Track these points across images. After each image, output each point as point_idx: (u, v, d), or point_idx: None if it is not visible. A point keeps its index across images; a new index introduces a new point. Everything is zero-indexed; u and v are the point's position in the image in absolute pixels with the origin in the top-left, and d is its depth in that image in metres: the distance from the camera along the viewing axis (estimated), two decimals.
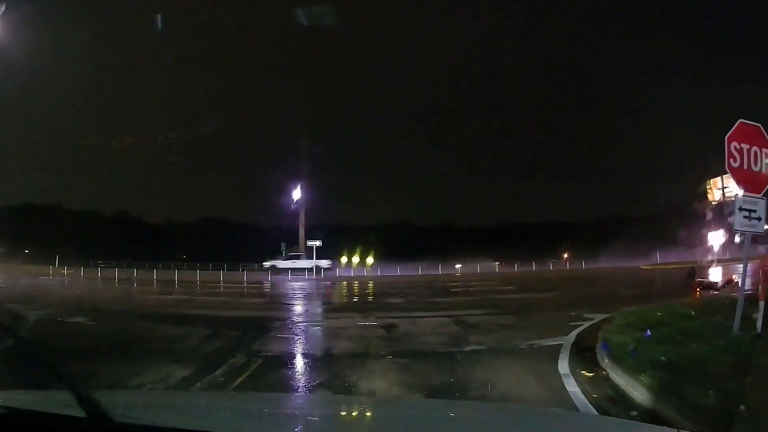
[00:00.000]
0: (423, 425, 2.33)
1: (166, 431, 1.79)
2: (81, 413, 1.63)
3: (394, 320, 13.76)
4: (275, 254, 45.35)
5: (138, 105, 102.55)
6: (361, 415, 2.68)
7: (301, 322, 14.40)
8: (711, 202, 62.38)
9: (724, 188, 58.70)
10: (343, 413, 2.75)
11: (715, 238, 55.38)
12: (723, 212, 56.83)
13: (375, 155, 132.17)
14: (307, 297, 23.91)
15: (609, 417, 3.73)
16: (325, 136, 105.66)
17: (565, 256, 60.93)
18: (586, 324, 12.40)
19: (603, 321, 12.63)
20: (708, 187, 63.68)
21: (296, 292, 27.25)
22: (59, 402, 1.73)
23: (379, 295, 25.48)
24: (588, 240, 64.46)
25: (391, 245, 54.56)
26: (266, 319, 14.15)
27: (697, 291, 19.45)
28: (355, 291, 29.14)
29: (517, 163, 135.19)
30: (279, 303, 20.53)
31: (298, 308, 19.15)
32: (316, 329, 13.16)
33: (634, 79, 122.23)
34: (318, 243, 39.88)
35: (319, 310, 18.54)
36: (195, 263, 43.47)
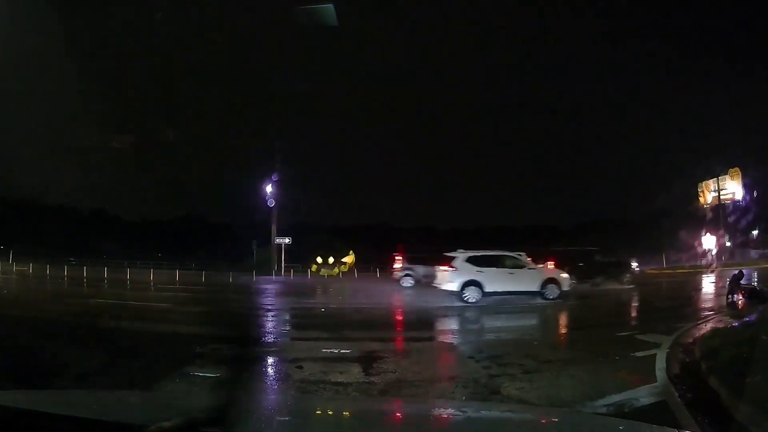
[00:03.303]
0: (424, 425, 2.26)
1: (164, 431, 1.71)
2: (80, 413, 1.68)
3: (376, 346, 9.68)
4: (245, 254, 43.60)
5: (117, 103, 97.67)
6: (362, 414, 2.61)
7: (239, 347, 9.82)
8: (703, 204, 59.40)
9: (720, 190, 56.04)
10: (343, 412, 2.70)
11: (709, 242, 52.83)
12: (718, 215, 54.40)
13: (355, 156, 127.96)
14: (267, 306, 19.57)
15: (609, 417, 3.15)
16: (305, 135, 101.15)
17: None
18: (658, 353, 8.69)
19: (676, 348, 9.21)
20: (700, 189, 60.60)
21: (257, 297, 22.93)
22: (59, 402, 1.84)
23: (357, 304, 21.27)
24: (575, 243, 61.56)
25: (370, 247, 51.32)
26: (193, 340, 9.92)
27: (741, 300, 15.76)
28: (328, 297, 24.74)
29: (501, 164, 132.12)
30: (226, 313, 16.10)
31: (248, 322, 14.70)
32: (256, 365, 8.72)
33: (622, 80, 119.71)
34: (287, 240, 36.43)
35: (275, 327, 14.24)
36: (168, 262, 42.89)
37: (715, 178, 56.83)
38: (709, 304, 17.63)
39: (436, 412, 2.89)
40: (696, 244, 52.67)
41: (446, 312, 15.83)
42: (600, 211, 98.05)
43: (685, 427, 4.82)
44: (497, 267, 17.67)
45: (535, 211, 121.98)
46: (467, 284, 17.23)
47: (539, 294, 17.33)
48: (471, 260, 17.72)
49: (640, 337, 10.47)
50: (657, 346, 9.40)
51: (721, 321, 12.24)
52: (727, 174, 55.74)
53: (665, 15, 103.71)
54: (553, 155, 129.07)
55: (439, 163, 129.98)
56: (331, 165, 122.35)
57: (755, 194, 52.78)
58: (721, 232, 53.18)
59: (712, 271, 36.99)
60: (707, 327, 11.40)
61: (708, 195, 59.11)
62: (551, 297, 17.26)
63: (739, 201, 53.92)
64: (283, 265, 35.77)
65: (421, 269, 25.50)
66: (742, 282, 16.46)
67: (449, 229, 74.50)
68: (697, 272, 36.73)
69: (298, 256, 44.20)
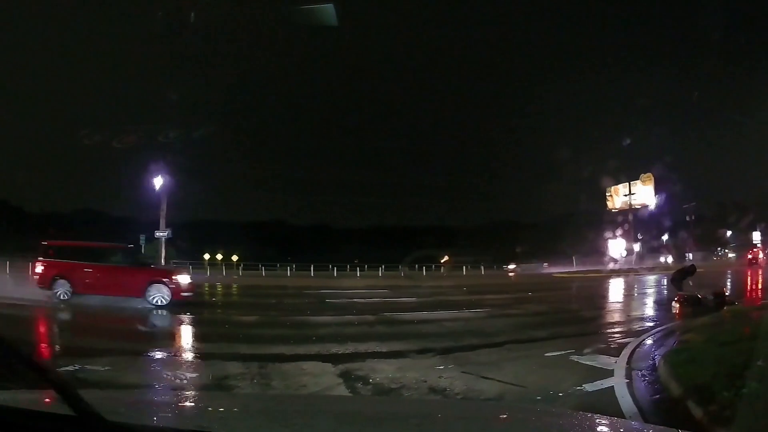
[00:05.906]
0: (424, 424, 2.10)
1: (164, 431, 1.69)
2: (79, 413, 1.51)
3: (232, 367, 6.89)
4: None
5: (18, 93, 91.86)
6: (362, 414, 2.46)
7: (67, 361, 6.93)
8: (611, 209, 59.38)
9: (630, 195, 55.97)
10: (343, 412, 2.49)
11: (617, 246, 52.60)
12: (628, 219, 54.28)
13: (251, 151, 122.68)
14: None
15: (609, 417, 2.39)
16: (200, 128, 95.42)
17: (445, 260, 55.81)
18: (615, 386, 6.01)
19: (635, 375, 6.49)
20: (608, 194, 60.54)
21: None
22: (57, 402, 1.58)
23: (228, 306, 17.61)
24: (476, 245, 60.69)
25: (264, 244, 48.92)
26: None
27: (680, 307, 13.65)
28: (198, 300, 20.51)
29: (400, 165, 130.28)
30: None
31: (92, 327, 11.18)
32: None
33: (530, 80, 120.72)
34: (166, 234, 32.51)
35: (113, 335, 10.32)
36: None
37: (626, 183, 56.76)
38: (641, 312, 15.40)
39: (425, 410, 2.73)
40: (604, 248, 52.46)
41: None
42: (506, 213, 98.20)
43: None
44: None
45: (435, 212, 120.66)
46: None
47: None
48: None
49: (578, 358, 7.52)
50: (608, 373, 6.56)
51: (672, 335, 9.60)
52: (638, 179, 55.70)
53: (577, 10, 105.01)
54: (458, 157, 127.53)
55: (338, 162, 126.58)
56: (228, 161, 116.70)
57: (666, 199, 52.91)
58: (631, 236, 53.17)
59: (622, 275, 36.26)
60: (661, 343, 8.76)
61: (616, 199, 59.11)
62: None
63: (649, 206, 54.00)
64: (162, 259, 31.70)
65: None
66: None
67: (344, 229, 74.12)
68: (607, 276, 35.35)
69: (190, 252, 41.86)
